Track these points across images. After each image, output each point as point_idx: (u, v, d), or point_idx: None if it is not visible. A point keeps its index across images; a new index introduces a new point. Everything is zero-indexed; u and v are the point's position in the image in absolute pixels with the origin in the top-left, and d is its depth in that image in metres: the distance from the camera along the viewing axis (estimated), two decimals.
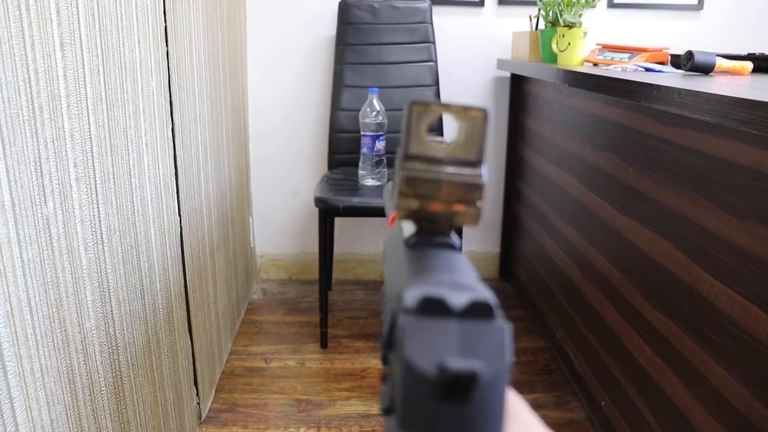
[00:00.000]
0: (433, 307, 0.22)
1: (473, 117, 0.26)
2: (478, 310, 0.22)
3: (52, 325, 0.79)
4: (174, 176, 1.28)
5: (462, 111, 0.26)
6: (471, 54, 2.31)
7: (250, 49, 2.24)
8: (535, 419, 0.25)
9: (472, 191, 0.26)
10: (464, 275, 0.25)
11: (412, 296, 0.22)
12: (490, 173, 2.43)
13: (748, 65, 1.41)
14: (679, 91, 1.02)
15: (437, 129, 2.15)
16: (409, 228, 0.30)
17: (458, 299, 0.22)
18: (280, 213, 2.42)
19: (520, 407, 0.25)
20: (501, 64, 2.22)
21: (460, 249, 0.28)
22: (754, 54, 1.68)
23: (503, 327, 0.22)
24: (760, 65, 1.57)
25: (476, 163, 0.27)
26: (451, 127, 2.25)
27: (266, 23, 2.23)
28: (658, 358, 1.21)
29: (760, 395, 0.91)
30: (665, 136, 1.18)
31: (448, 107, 0.26)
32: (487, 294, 0.23)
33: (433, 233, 0.29)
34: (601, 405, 1.50)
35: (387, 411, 0.24)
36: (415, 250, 0.28)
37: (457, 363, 0.20)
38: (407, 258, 0.28)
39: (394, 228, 0.37)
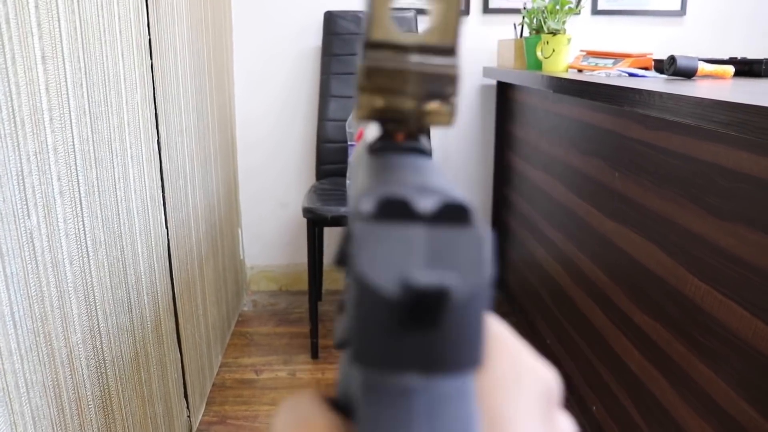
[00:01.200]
0: (394, 211, 0.18)
1: None
2: (451, 214, 0.18)
3: (37, 339, 0.79)
4: (160, 189, 1.28)
5: None
6: None
7: (237, 61, 2.24)
8: (523, 347, 0.21)
9: (445, 84, 0.22)
10: (435, 178, 0.21)
11: (368, 199, 0.18)
12: (478, 182, 2.44)
13: (730, 69, 1.43)
14: (660, 95, 1.03)
15: None
16: (373, 133, 0.25)
17: (426, 201, 0.18)
18: (269, 224, 2.41)
19: (504, 334, 0.21)
20: (487, 72, 2.24)
21: (431, 154, 0.24)
22: (736, 58, 1.70)
23: (483, 234, 0.18)
24: (742, 69, 1.59)
25: (450, 51, 0.22)
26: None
27: (252, 35, 2.24)
28: (647, 361, 1.22)
29: (746, 395, 0.92)
30: (649, 140, 1.19)
31: None
32: (461, 195, 0.19)
33: (400, 137, 0.24)
34: (592, 409, 1.50)
35: (341, 345, 0.20)
36: (379, 156, 0.23)
37: (424, 276, 0.16)
38: (369, 165, 0.23)
39: (360, 143, 0.31)
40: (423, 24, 2.21)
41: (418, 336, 0.16)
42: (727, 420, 0.97)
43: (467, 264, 0.17)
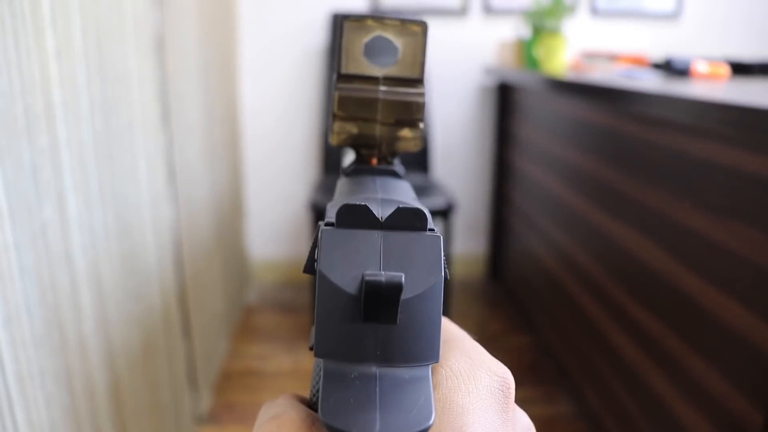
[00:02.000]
0: (355, 218, 0.19)
1: (412, 32, 0.24)
2: (406, 220, 0.19)
3: (50, 328, 0.81)
4: (170, 182, 1.30)
5: (400, 26, 0.24)
6: (458, 63, 2.34)
7: (243, 59, 2.27)
8: (479, 347, 0.23)
9: (413, 111, 0.24)
10: (401, 195, 0.23)
11: (333, 209, 0.20)
12: (478, 178, 2.47)
13: (726, 69, 1.45)
14: (657, 94, 1.05)
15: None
16: (349, 158, 0.28)
17: (384, 208, 0.20)
18: (275, 217, 2.45)
19: (460, 335, 0.23)
20: (487, 72, 2.26)
21: (403, 176, 0.26)
22: (731, 59, 1.72)
23: (435, 238, 0.19)
24: (737, 70, 1.61)
25: (417, 82, 0.24)
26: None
27: (258, 33, 2.26)
28: (641, 353, 1.25)
29: (739, 387, 0.94)
30: (645, 138, 1.22)
31: (383, 21, 0.24)
32: (418, 204, 0.21)
33: (374, 161, 0.26)
34: (587, 400, 1.53)
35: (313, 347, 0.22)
36: (352, 178, 0.25)
37: (378, 274, 0.17)
38: (343, 185, 0.25)
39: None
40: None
41: (376, 331, 0.18)
42: (719, 411, 0.99)
43: (422, 264, 0.19)
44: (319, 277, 0.18)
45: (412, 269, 0.19)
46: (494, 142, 2.39)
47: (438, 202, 1.87)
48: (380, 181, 0.25)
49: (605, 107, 1.40)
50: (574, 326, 1.61)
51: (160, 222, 1.24)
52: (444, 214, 1.87)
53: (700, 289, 1.04)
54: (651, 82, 1.29)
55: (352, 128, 0.24)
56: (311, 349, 0.20)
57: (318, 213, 1.83)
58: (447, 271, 0.20)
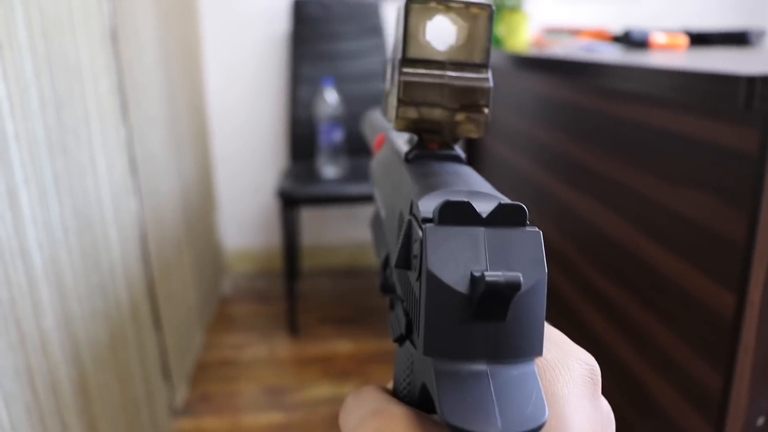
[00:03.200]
0: (455, 215, 0.19)
1: (476, 15, 0.24)
2: (507, 216, 0.19)
3: (7, 325, 0.80)
4: (133, 175, 1.29)
5: (464, 9, 0.24)
6: None
7: (208, 49, 2.24)
8: (563, 335, 0.23)
9: (477, 96, 0.24)
10: (478, 185, 0.22)
11: (429, 204, 0.20)
12: None
13: (684, 40, 1.46)
14: (611, 65, 1.06)
15: None
16: (405, 142, 0.27)
17: (484, 204, 0.20)
18: (247, 207, 2.43)
19: (547, 325, 0.23)
20: None
21: (465, 162, 0.26)
22: (690, 30, 1.73)
23: (536, 233, 0.19)
24: (695, 40, 1.62)
25: (481, 66, 0.24)
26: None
27: (222, 22, 2.24)
28: (608, 325, 1.26)
29: (700, 352, 0.96)
30: (605, 110, 1.22)
31: (447, 4, 0.24)
32: (513, 200, 0.21)
33: (434, 146, 0.25)
34: None
35: (401, 339, 0.22)
36: (417, 164, 0.25)
37: (495, 274, 0.17)
38: (409, 172, 0.24)
39: (384, 150, 0.33)
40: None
41: (486, 328, 0.18)
42: (683, 376, 1.01)
43: (526, 261, 0.19)
44: (428, 276, 0.18)
45: (517, 266, 0.18)
46: None
47: None
48: (447, 168, 0.24)
49: (565, 82, 1.40)
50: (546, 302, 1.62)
51: (123, 215, 1.23)
52: None
53: (663, 258, 1.06)
54: (609, 55, 1.29)
55: (415, 113, 0.24)
56: (397, 341, 0.20)
57: (287, 200, 1.82)
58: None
